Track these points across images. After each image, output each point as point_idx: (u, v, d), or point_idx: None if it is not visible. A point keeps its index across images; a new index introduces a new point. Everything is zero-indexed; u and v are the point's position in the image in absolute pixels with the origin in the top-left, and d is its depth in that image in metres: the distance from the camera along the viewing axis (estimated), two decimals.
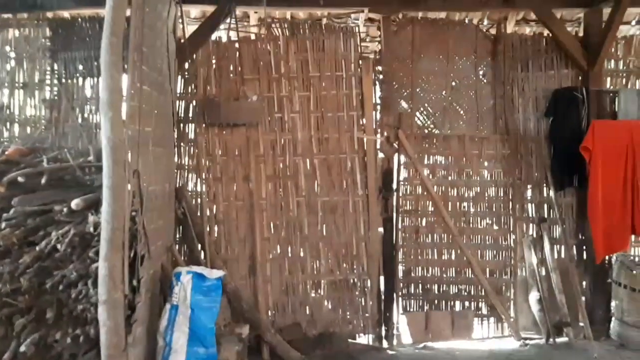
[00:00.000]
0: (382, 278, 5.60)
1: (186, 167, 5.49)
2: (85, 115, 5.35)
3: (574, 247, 5.80)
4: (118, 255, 3.21)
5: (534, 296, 5.60)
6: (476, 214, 5.80)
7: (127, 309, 3.33)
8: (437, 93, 5.84)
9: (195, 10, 5.85)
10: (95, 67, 5.24)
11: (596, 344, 5.27)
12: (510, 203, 5.79)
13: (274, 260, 5.48)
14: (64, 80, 5.37)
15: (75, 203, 3.55)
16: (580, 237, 5.80)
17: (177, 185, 5.16)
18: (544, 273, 5.66)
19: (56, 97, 5.38)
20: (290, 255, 5.51)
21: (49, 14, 5.50)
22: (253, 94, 5.45)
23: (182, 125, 5.50)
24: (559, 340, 5.46)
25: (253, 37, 5.68)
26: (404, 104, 5.81)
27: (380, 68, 5.74)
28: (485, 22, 6.14)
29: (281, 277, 5.47)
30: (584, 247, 5.78)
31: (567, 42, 5.76)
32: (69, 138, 5.23)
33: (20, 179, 3.92)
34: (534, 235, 5.77)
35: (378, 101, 5.74)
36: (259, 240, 5.41)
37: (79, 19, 5.45)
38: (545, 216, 5.79)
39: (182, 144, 5.48)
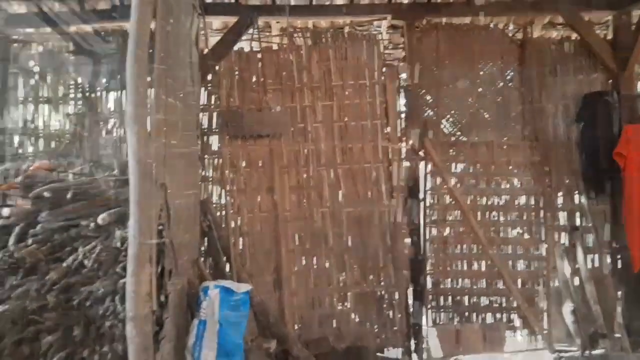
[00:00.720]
0: (410, 290, 5.47)
1: (210, 179, 5.45)
2: (109, 128, 5.35)
3: (608, 255, 5.61)
4: (145, 270, 3.16)
5: (567, 307, 5.44)
6: (506, 223, 5.65)
7: (155, 325, 3.27)
8: (463, 100, 5.72)
9: (217, 22, 5.83)
10: (119, 80, 5.25)
11: (634, 355, 5.10)
12: (542, 211, 5.63)
13: (300, 272, 5.40)
14: (87, 94, 5.37)
15: (101, 218, 3.51)
16: (614, 245, 5.60)
17: (202, 198, 5.11)
18: (577, 283, 5.49)
19: (80, 111, 5.39)
20: (315, 267, 5.43)
21: (72, 29, 5.53)
22: (276, 104, 5.40)
23: (205, 137, 5.46)
24: (595, 352, 5.28)
25: (275, 47, 5.66)
26: (429, 112, 5.71)
27: (404, 75, 5.65)
28: (511, 26, 6.01)
29: (307, 290, 5.39)
30: (619, 256, 5.59)
31: (596, 46, 5.63)
32: (93, 152, 5.23)
33: (46, 194, 3.89)
34: (567, 244, 5.60)
35: (403, 109, 5.65)
36: (284, 252, 5.35)
37: (102, 33, 5.46)
38: (578, 224, 5.62)
39: (205, 156, 5.44)
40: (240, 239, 5.38)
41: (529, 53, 5.73)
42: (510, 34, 5.89)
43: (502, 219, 5.67)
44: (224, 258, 5.03)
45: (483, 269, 5.61)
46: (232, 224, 5.34)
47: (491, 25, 5.86)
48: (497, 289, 5.58)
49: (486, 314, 5.60)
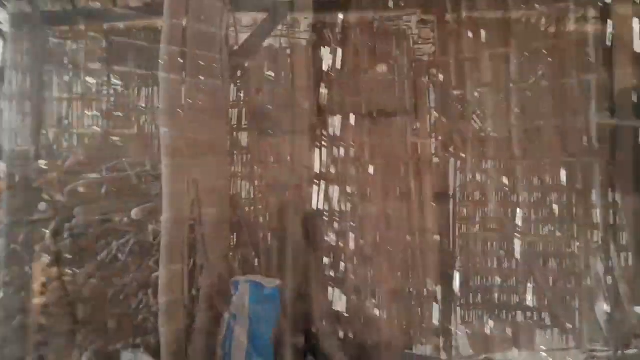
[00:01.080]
0: (439, 287, 5.44)
1: (239, 175, 5.49)
2: (141, 124, 5.43)
3: None
4: (178, 264, 3.21)
5: (600, 306, 5.33)
6: (537, 220, 5.56)
7: (186, 319, 3.31)
8: (494, 95, 5.64)
9: (246, 18, 5.84)
10: (150, 76, 5.31)
11: None
12: (574, 209, 5.52)
13: (327, 268, 5.39)
14: (120, 91, 5.46)
15: (134, 212, 3.58)
16: None
17: (232, 193, 5.15)
18: (610, 282, 5.37)
19: (112, 108, 5.48)
20: (343, 263, 5.42)
21: (105, 26, 5.61)
22: (305, 100, 5.41)
23: (235, 133, 5.50)
24: (628, 352, 5.17)
25: (304, 43, 5.65)
26: (459, 107, 5.64)
27: (434, 70, 5.60)
28: (544, 20, 5.90)
29: (335, 286, 5.38)
30: None
31: (632, 39, 5.49)
32: (125, 148, 5.31)
33: (80, 189, 3.97)
34: (600, 242, 5.48)
35: (432, 104, 5.60)
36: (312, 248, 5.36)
37: (134, 30, 5.54)
38: (612, 222, 5.50)
39: (235, 151, 5.47)
40: (269, 234, 5.41)
41: (562, 47, 5.60)
42: (542, 28, 5.78)
43: (533, 216, 5.57)
44: (253, 253, 5.06)
45: (514, 266, 5.54)
46: (261, 220, 5.37)
47: (523, 19, 5.76)
48: (527, 287, 5.50)
49: (516, 312, 5.52)
